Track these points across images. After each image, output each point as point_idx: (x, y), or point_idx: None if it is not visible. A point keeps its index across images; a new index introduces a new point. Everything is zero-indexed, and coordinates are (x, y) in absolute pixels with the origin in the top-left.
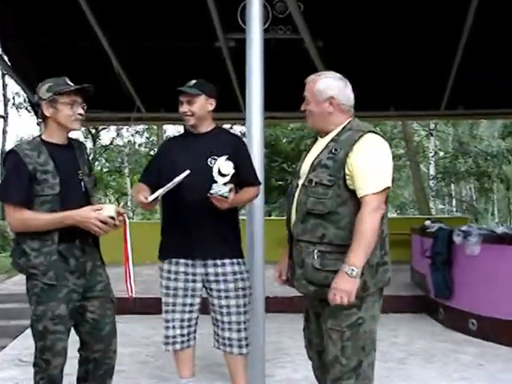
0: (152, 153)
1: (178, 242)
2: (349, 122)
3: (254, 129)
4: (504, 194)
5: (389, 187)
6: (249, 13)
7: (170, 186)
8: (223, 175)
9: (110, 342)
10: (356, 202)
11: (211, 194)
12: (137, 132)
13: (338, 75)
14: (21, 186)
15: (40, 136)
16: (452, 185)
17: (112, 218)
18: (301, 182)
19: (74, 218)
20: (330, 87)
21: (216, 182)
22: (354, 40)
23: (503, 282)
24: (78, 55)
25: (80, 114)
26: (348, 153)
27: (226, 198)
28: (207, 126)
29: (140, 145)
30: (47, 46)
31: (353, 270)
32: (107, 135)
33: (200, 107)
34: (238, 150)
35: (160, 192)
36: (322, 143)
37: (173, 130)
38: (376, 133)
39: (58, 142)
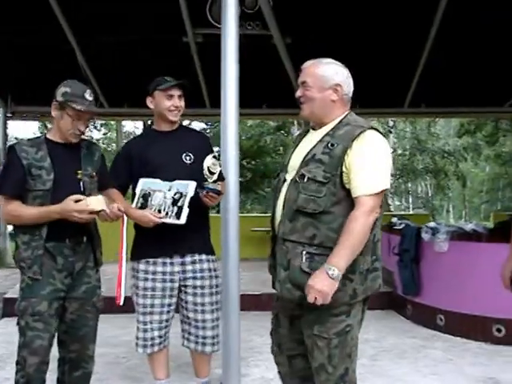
0: (110, 149)
1: (155, 240)
2: (345, 116)
3: (229, 126)
4: (459, 191)
5: (387, 189)
6: (224, 8)
7: (186, 202)
8: (212, 173)
9: (87, 345)
10: (351, 203)
11: (206, 191)
12: (95, 127)
13: (340, 63)
14: (14, 180)
15: (46, 133)
16: (409, 182)
17: (100, 211)
18: (290, 177)
19: (56, 211)
20: (337, 73)
21: (206, 180)
22: (322, 37)
23: (471, 277)
24: (42, 48)
25: (80, 131)
26: (346, 149)
27: (219, 194)
28: (177, 124)
29: (98, 140)
30: (8, 39)
31: (334, 270)
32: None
33: (184, 104)
34: (208, 147)
35: (186, 211)
36: (315, 136)
37: (131, 126)
38: (377, 130)
39: (61, 141)
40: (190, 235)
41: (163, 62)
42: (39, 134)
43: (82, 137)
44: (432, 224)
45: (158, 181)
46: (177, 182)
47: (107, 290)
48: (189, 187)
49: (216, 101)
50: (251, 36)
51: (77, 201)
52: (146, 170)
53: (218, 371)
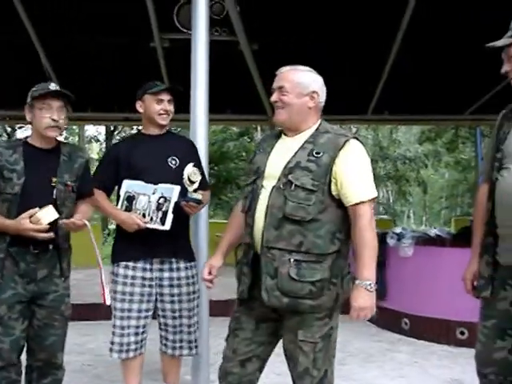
0: None
1: (135, 244)
2: (320, 123)
3: (198, 132)
4: (420, 197)
5: (375, 197)
6: (194, 14)
7: (171, 208)
8: (192, 182)
9: (54, 354)
10: (335, 210)
11: (187, 200)
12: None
13: (311, 69)
14: None
15: (27, 137)
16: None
17: (55, 222)
18: (270, 184)
19: (11, 227)
20: (314, 81)
21: (186, 189)
22: (288, 44)
23: (435, 282)
24: (5, 51)
25: (54, 121)
26: (334, 158)
27: (199, 203)
28: (165, 128)
29: None
30: None
31: (370, 284)
32: (24, 134)
33: (173, 108)
34: (195, 154)
35: (171, 216)
36: (292, 143)
37: (93, 131)
38: (358, 139)
39: (40, 146)
40: (171, 240)
41: (129, 67)
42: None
43: (62, 140)
44: (397, 229)
45: (142, 183)
46: (161, 186)
47: (72, 297)
48: (173, 192)
49: (181, 106)
50: (218, 42)
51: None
52: (130, 172)
53: (187, 377)
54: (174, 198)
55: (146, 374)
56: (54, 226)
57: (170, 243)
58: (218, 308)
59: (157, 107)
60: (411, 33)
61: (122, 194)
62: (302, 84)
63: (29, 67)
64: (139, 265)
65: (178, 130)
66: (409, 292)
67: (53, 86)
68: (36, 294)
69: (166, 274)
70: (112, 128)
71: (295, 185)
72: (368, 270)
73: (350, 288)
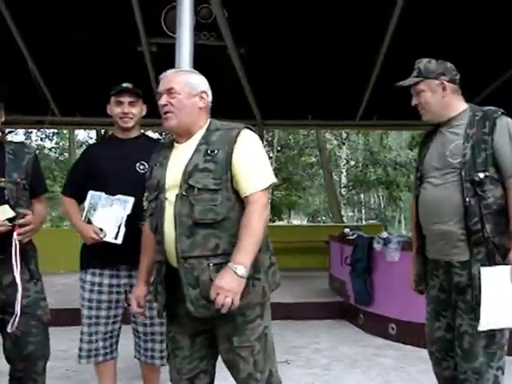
0: (61, 158)
1: (103, 251)
2: (210, 123)
3: None
4: (411, 202)
5: (274, 183)
6: (179, 18)
7: (123, 222)
8: None
9: (35, 362)
10: (242, 204)
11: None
12: (46, 136)
13: (196, 72)
14: None
15: None
16: (362, 193)
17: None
18: (173, 194)
19: None
20: (202, 81)
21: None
22: (276, 48)
23: None
24: None
25: None
26: (230, 153)
27: None
28: (136, 132)
29: (49, 149)
30: None
31: (241, 268)
32: (14, 139)
33: (139, 111)
34: None
35: (123, 231)
36: (186, 149)
37: (84, 135)
38: (249, 128)
39: None
40: (136, 248)
41: (117, 71)
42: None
43: (8, 139)
44: (384, 234)
45: (103, 195)
46: (118, 198)
47: (57, 302)
48: (127, 205)
49: None
50: (206, 46)
51: None
52: (99, 175)
53: None
54: (127, 211)
55: (128, 380)
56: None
57: (138, 251)
58: None
59: (117, 109)
60: (399, 37)
61: (86, 205)
62: (191, 84)
63: (16, 72)
64: (106, 272)
65: (166, 134)
66: (395, 297)
67: None
68: (4, 302)
69: (135, 281)
70: (103, 132)
71: (197, 188)
72: (243, 255)
73: (275, 279)
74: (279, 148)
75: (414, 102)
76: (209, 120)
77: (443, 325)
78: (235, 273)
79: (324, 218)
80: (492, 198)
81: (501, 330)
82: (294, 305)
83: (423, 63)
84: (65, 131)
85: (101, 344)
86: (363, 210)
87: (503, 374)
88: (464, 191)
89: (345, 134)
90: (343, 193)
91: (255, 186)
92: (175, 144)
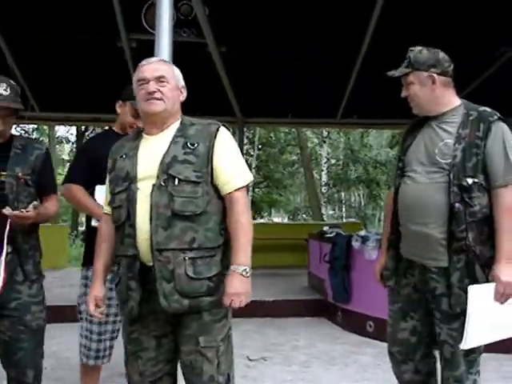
0: None
1: None
2: (183, 118)
3: None
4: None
5: (252, 180)
6: (158, 14)
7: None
8: None
9: (23, 371)
10: (218, 200)
11: None
12: (26, 132)
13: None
14: None
15: None
16: (342, 191)
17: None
18: (147, 184)
19: None
20: (181, 76)
21: None
22: (257, 47)
23: None
24: None
25: None
26: (210, 147)
27: None
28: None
29: None
30: None
31: (245, 269)
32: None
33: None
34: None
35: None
36: (160, 140)
37: (64, 131)
38: (225, 126)
39: None
40: None
41: (97, 67)
42: None
43: (16, 134)
44: (362, 232)
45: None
46: None
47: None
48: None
49: None
50: (186, 43)
51: None
52: (98, 169)
53: None
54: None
55: (108, 377)
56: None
57: None
58: None
59: (131, 118)
60: (379, 35)
61: (97, 198)
62: (177, 77)
63: None
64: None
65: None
66: (373, 295)
67: (2, 88)
68: None
69: None
70: (83, 128)
71: (179, 179)
72: (244, 256)
73: None
74: (260, 146)
75: (403, 93)
76: (180, 114)
77: (409, 326)
78: (242, 275)
79: (305, 215)
80: (478, 205)
81: None
82: (273, 302)
83: (414, 52)
84: (45, 127)
85: (108, 344)
86: (344, 208)
87: (479, 375)
88: (451, 195)
89: (326, 133)
90: (324, 191)
91: (237, 182)
92: (145, 135)
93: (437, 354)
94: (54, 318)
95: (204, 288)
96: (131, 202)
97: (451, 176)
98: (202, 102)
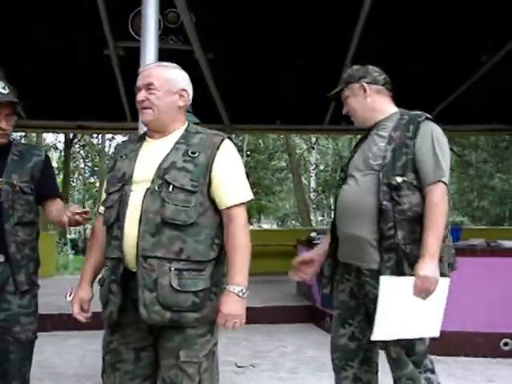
0: None
1: None
2: (188, 124)
3: None
4: None
5: (252, 199)
6: (144, 22)
7: None
8: None
9: (9, 382)
10: (213, 213)
11: None
12: (13, 140)
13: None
14: None
15: None
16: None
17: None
18: (141, 188)
19: None
20: (184, 78)
21: None
22: (244, 53)
23: None
24: None
25: (2, 129)
26: (211, 158)
27: None
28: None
29: None
30: None
31: (242, 290)
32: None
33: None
34: None
35: None
36: (161, 145)
37: (52, 139)
38: (231, 139)
39: None
40: None
41: (84, 75)
42: None
43: (14, 140)
44: None
45: None
46: None
47: None
48: None
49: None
50: (173, 50)
51: None
52: None
53: None
54: None
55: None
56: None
57: None
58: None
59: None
60: (364, 42)
61: None
62: (171, 81)
63: None
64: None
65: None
66: None
67: (2, 94)
68: None
69: None
70: (71, 136)
71: (174, 186)
72: (240, 275)
73: None
74: (249, 152)
75: (344, 110)
76: (187, 122)
77: (348, 332)
78: (239, 296)
79: (294, 222)
80: (407, 204)
81: (422, 339)
82: (261, 309)
83: (347, 71)
84: (33, 134)
85: None
86: (332, 214)
87: (434, 372)
88: (380, 195)
89: (314, 139)
90: (312, 197)
91: (236, 198)
92: (148, 138)
93: (380, 360)
94: (40, 327)
95: (188, 302)
96: (122, 203)
97: (380, 176)
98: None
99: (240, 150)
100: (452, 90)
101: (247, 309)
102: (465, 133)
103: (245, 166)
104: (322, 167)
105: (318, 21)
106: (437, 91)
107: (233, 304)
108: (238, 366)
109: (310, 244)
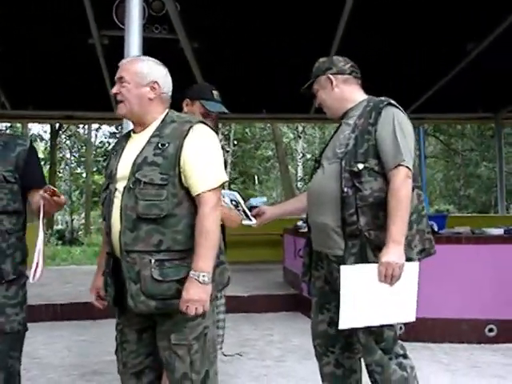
0: None
1: None
2: (167, 114)
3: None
4: None
5: (226, 181)
6: (128, 10)
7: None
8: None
9: None
10: (191, 202)
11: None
12: None
13: (158, 61)
14: None
15: None
16: None
17: None
18: (122, 185)
19: None
20: (154, 70)
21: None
22: (230, 43)
23: None
24: None
25: None
26: (179, 147)
27: None
28: None
29: None
30: None
31: (204, 276)
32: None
33: None
34: None
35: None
36: (139, 140)
37: (38, 129)
38: (205, 123)
39: None
40: None
41: (69, 64)
42: None
43: (2, 131)
44: None
45: None
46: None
47: None
48: (237, 196)
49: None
50: (158, 39)
51: None
52: None
53: None
54: (237, 195)
55: (81, 376)
56: None
57: None
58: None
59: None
60: (350, 32)
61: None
62: (140, 74)
63: None
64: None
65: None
66: None
67: None
68: None
69: None
70: (57, 126)
71: (144, 182)
72: (203, 261)
73: (222, 278)
74: (235, 142)
75: (315, 103)
76: (166, 111)
77: (326, 318)
78: (199, 281)
79: None
80: (369, 190)
81: (391, 325)
82: (248, 298)
83: (315, 65)
84: (18, 125)
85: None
86: None
87: (406, 357)
88: (342, 182)
89: (301, 128)
90: (299, 186)
91: (205, 184)
92: (132, 134)
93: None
94: (28, 317)
95: (172, 291)
96: (108, 201)
97: (343, 163)
98: (173, 97)
99: (227, 139)
100: (438, 79)
101: (234, 298)
102: (451, 121)
103: (232, 156)
104: (308, 156)
105: (304, 9)
106: (423, 80)
107: (193, 290)
108: (225, 355)
109: (296, 232)
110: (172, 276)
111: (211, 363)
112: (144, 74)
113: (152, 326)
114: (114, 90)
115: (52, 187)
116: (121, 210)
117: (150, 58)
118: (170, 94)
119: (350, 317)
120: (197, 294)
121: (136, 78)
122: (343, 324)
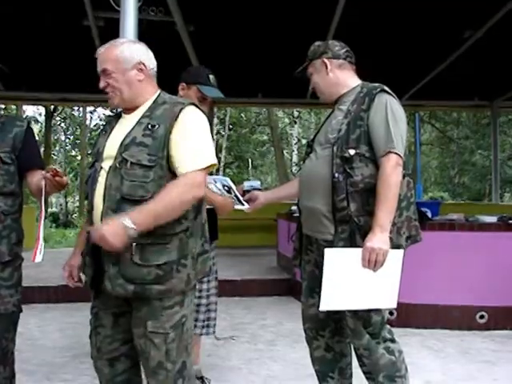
0: None
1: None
2: (159, 95)
3: None
4: None
5: (214, 164)
6: None
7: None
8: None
9: None
10: None
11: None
12: None
13: (133, 39)
14: None
15: None
16: None
17: None
18: (108, 165)
19: None
20: (135, 51)
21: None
22: (226, 26)
23: None
24: None
25: None
26: (169, 128)
27: None
28: None
29: None
30: None
31: (132, 228)
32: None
33: None
34: None
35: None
36: (129, 120)
37: (32, 111)
38: (196, 105)
39: None
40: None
41: (63, 46)
42: None
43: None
44: None
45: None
46: (214, 178)
47: None
48: (229, 181)
49: None
50: (154, 22)
51: None
52: None
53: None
54: (229, 181)
55: (74, 357)
56: None
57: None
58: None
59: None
60: (347, 18)
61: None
62: (122, 59)
63: None
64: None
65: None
66: None
67: None
68: None
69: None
70: (52, 108)
71: (131, 162)
72: (141, 216)
73: (204, 267)
74: (231, 126)
75: (310, 86)
76: (158, 92)
77: (316, 302)
78: (125, 226)
79: None
80: (360, 176)
81: (378, 310)
82: (241, 282)
83: (310, 48)
84: (13, 107)
85: (201, 317)
86: None
87: (394, 341)
88: (333, 167)
89: (296, 113)
90: (294, 171)
91: (190, 165)
92: (122, 114)
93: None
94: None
95: (152, 275)
96: (92, 179)
97: (335, 149)
98: (169, 81)
99: (222, 123)
100: (435, 66)
101: (227, 281)
102: (447, 108)
103: (227, 140)
104: (304, 141)
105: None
106: (419, 67)
107: (112, 228)
108: (218, 339)
109: (290, 217)
110: (152, 260)
111: (188, 354)
112: (127, 58)
113: (129, 311)
114: (102, 84)
115: (55, 167)
116: (105, 189)
117: (124, 40)
118: (156, 69)
119: (331, 299)
120: (107, 227)
121: (119, 65)
122: (324, 305)
